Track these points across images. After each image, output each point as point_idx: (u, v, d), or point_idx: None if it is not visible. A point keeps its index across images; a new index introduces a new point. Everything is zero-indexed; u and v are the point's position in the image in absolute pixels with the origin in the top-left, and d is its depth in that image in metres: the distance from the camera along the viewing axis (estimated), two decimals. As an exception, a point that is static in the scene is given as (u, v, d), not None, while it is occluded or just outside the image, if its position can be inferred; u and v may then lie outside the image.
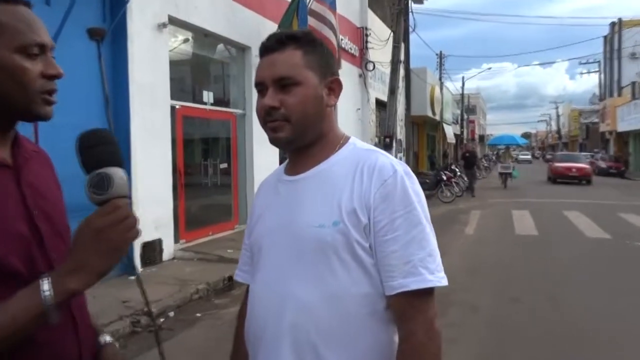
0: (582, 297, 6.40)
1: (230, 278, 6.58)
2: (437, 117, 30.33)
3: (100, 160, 1.09)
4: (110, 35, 6.99)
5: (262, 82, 1.34)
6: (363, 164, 1.32)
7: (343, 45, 13.99)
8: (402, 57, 16.56)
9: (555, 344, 4.85)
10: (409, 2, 18.71)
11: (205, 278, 6.72)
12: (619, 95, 43.28)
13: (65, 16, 6.10)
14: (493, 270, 7.84)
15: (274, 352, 1.31)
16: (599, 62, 54.30)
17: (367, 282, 1.29)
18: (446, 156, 36.72)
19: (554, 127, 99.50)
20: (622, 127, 38.01)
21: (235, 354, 1.54)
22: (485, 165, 38.05)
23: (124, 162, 1.13)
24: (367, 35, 17.20)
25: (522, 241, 10.26)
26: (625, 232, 11.10)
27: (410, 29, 21.15)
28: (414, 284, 1.24)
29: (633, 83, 37.70)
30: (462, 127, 45.94)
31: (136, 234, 1.08)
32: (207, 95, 9.58)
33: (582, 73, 57.25)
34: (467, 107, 51.88)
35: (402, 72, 17.97)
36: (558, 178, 26.47)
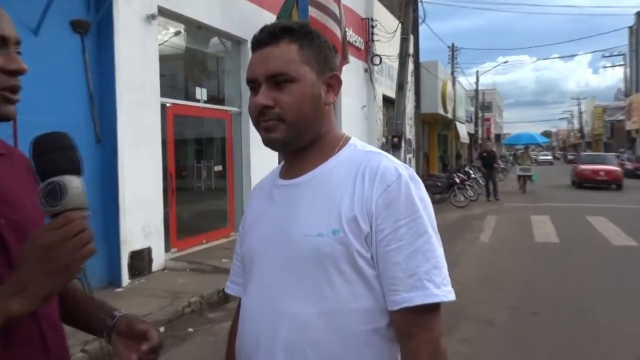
0: (609, 311, 6.37)
1: (225, 290, 6.56)
2: (450, 115, 30.33)
3: (56, 168, 1.06)
4: (95, 28, 7.00)
5: (255, 78, 1.33)
6: (364, 167, 1.31)
7: (348, 39, 13.98)
8: (411, 50, 16.55)
9: (577, 361, 4.83)
10: (419, -10, 18.74)
11: (198, 290, 6.70)
12: (647, 90, 43.21)
13: (47, 7, 6.12)
14: (510, 282, 7.81)
15: (268, 372, 1.30)
16: (624, 54, 54.28)
17: (368, 296, 1.28)
18: (459, 157, 36.70)
19: (576, 126, 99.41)
20: (650, 125, 37.94)
21: (227, 373, 1.53)
22: (502, 166, 37.93)
23: (82, 169, 1.10)
24: (373, 27, 17.20)
25: (542, 249, 10.22)
26: (654, 239, 11.06)
27: (420, 20, 21.17)
28: (418, 299, 1.23)
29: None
30: (476, 125, 45.92)
31: (90, 251, 1.05)
32: (201, 92, 9.58)
33: (605, 67, 57.30)
34: (482, 104, 51.86)
35: (411, 66, 17.95)
36: (584, 182, 24.91)
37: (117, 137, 7.10)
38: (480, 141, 46.72)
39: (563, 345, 5.21)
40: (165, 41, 8.95)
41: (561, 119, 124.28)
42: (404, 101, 15.48)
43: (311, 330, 1.27)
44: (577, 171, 26.04)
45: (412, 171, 1.34)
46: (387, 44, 17.51)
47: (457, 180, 18.42)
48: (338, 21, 10.72)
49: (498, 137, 67.56)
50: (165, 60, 8.54)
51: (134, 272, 7.33)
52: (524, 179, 23.08)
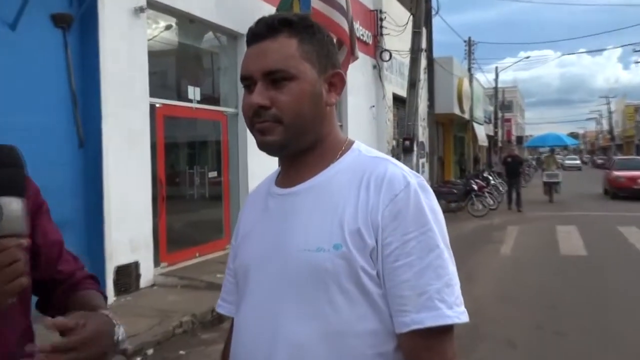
0: (641, 330, 6.34)
1: (220, 308, 6.56)
2: (466, 116, 30.31)
3: None
4: (78, 22, 7.02)
5: (250, 75, 1.33)
6: (369, 175, 1.31)
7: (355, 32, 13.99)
8: (423, 45, 16.57)
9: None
10: (432, -20, 18.79)
11: (190, 309, 6.69)
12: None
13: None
14: (533, 298, 7.78)
15: (263, 400, 1.30)
16: (658, 48, 54.13)
17: (374, 317, 1.27)
18: (477, 161, 36.66)
19: (605, 127, 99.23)
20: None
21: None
22: (521, 172, 37.78)
23: (24, 190, 1.07)
24: (382, 20, 17.24)
25: (568, 263, 10.19)
26: (692, 252, 11.00)
27: (433, 12, 21.22)
28: (429, 320, 1.22)
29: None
30: (496, 127, 45.89)
31: (20, 286, 1.02)
32: (193, 92, 9.60)
33: (637, 62, 57.03)
34: (502, 103, 51.82)
35: (423, 62, 17.98)
36: (619, 192, 23.37)
37: (101, 140, 7.11)
38: (500, 144, 46.70)
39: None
40: (155, 36, 8.97)
41: (589, 119, 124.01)
42: (416, 100, 15.48)
43: (311, 355, 1.26)
44: (610, 178, 24.70)
45: (422, 179, 1.34)
46: (398, 38, 17.52)
47: (475, 187, 18.41)
48: (345, 13, 10.73)
49: (520, 139, 67.46)
50: (155, 56, 8.56)
51: (120, 288, 7.32)
52: (551, 187, 22.54)
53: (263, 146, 1.34)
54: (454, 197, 18.19)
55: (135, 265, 7.64)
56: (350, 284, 1.26)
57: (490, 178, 22.59)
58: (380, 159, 1.36)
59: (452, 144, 32.01)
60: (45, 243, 1.43)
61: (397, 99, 18.52)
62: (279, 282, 1.31)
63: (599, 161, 62.55)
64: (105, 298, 1.51)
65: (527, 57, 48.38)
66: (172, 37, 9.60)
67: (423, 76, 18.65)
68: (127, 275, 7.47)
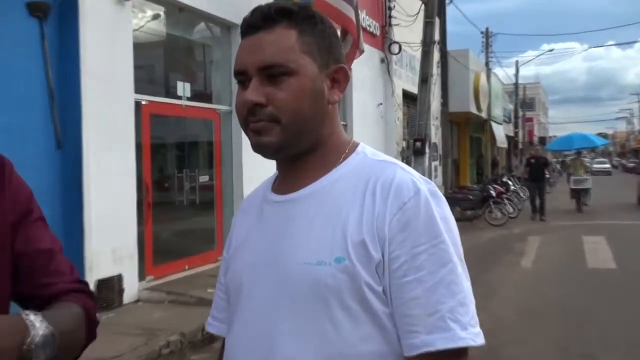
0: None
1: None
2: (484, 114, 30.32)
3: None
4: (57, 11, 7.04)
5: (244, 70, 1.33)
6: (376, 180, 1.31)
7: (361, 23, 14.03)
8: (436, 37, 16.58)
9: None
10: (446, -35, 18.82)
11: (179, 327, 6.68)
12: None
13: (-1, -14, 6.15)
14: (557, 316, 7.77)
15: None
16: (695, 41, 54.08)
17: (379, 338, 1.27)
18: (496, 165, 36.65)
19: (636, 127, 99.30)
20: None
21: None
22: (547, 176, 37.76)
23: None
24: (390, 9, 17.26)
25: (596, 277, 10.18)
26: None
27: (447, 0, 21.21)
28: (441, 342, 1.22)
29: None
30: (516, 126, 45.92)
31: None
32: (183, 88, 9.62)
33: (673, 56, 56.98)
34: (523, 100, 51.87)
35: (436, 55, 17.98)
36: None
37: (81, 141, 7.11)
38: (521, 146, 46.70)
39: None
40: (141, 26, 8.99)
41: (619, 118, 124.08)
42: (429, 97, 15.48)
43: (310, 379, 1.26)
44: None
45: (433, 185, 1.34)
46: (408, 29, 17.55)
47: (493, 193, 18.41)
48: (352, 3, 10.75)
49: (542, 140, 67.47)
50: (141, 49, 8.58)
51: (102, 304, 7.31)
52: (579, 195, 21.65)
53: (258, 148, 1.34)
54: (469, 204, 18.18)
55: (118, 278, 7.63)
56: (353, 301, 1.25)
57: (510, 183, 22.56)
58: (388, 163, 1.36)
59: (468, 146, 32.02)
60: (27, 251, 1.42)
61: (407, 95, 18.53)
62: (274, 299, 1.31)
63: (630, 165, 62.53)
64: (88, 312, 1.45)
65: (551, 50, 48.49)
66: (159, 27, 9.62)
67: (436, 71, 18.65)
68: (109, 289, 7.47)
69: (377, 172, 1.32)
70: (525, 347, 6.43)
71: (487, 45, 35.59)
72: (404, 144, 18.30)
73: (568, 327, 7.29)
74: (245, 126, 1.34)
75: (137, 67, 8.19)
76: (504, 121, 39.94)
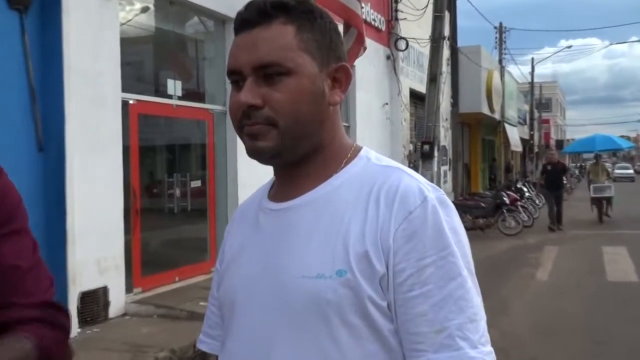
0: None
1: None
2: (497, 116, 30.36)
3: None
4: (38, 3, 7.04)
5: (238, 69, 1.33)
6: (380, 187, 1.31)
7: (365, 17, 14.06)
8: (446, 32, 16.60)
9: None
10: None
11: (168, 342, 6.67)
12: None
13: (-24, -23, 6.17)
14: (575, 332, 7.77)
15: None
16: None
17: (384, 355, 1.27)
18: (510, 170, 36.67)
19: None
20: None
21: None
22: (565, 183, 37.72)
23: None
24: (397, 2, 17.29)
25: (617, 291, 10.17)
26: None
27: (458, -7, 21.21)
28: (449, 362, 1.23)
29: None
30: (531, 129, 45.92)
31: None
32: (174, 86, 9.62)
33: (700, 53, 57.03)
34: (539, 101, 51.88)
35: (446, 52, 18.02)
36: None
37: (64, 143, 7.10)
38: (536, 149, 46.68)
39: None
40: (129, 20, 9.01)
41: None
42: (438, 97, 15.49)
43: (310, 401, 1.26)
44: None
45: (442, 192, 1.34)
46: (416, 24, 17.58)
47: (507, 200, 18.39)
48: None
49: (560, 143, 67.50)
50: (129, 45, 8.60)
51: (86, 318, 7.31)
52: (600, 204, 20.96)
53: (253, 153, 1.34)
54: (481, 212, 18.16)
55: (104, 290, 7.62)
56: (356, 317, 1.25)
57: (525, 189, 22.57)
58: (393, 169, 1.36)
59: (480, 149, 32.06)
60: None
61: (414, 95, 18.56)
62: (271, 315, 1.31)
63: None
64: (44, 349, 1.39)
65: (569, 47, 48.78)
66: (149, 21, 9.63)
67: (446, 69, 18.68)
68: (94, 302, 7.46)
69: (382, 178, 1.32)
70: (540, 366, 6.42)
71: (500, 41, 35.65)
72: (411, 147, 18.30)
73: (586, 344, 7.29)
74: (240, 130, 1.34)
75: (125, 64, 8.19)
76: (519, 123, 40.01)
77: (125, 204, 8.12)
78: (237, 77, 1.34)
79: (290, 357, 1.28)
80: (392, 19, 17.21)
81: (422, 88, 17.03)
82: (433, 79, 15.23)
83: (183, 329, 7.14)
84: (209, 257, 10.19)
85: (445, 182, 19.84)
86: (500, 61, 34.15)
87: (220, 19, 10.46)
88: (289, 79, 1.30)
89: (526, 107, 45.40)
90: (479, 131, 31.25)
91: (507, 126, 33.87)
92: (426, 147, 14.99)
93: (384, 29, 16.80)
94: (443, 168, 19.42)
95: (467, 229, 1.28)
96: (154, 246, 9.17)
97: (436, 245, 1.25)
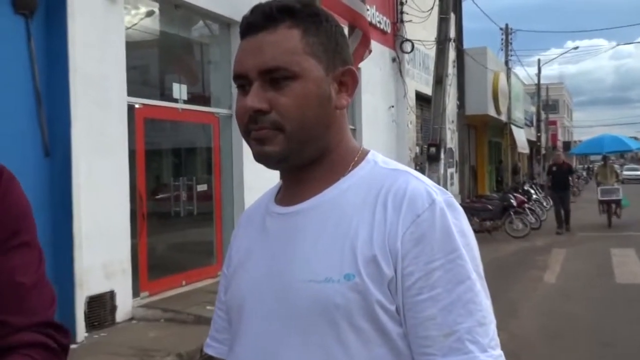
0: None
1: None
2: (503, 117, 30.31)
3: None
4: (44, 8, 7.06)
5: (244, 74, 1.33)
6: (387, 191, 1.31)
7: (370, 19, 14.07)
8: (452, 34, 16.58)
9: None
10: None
11: (176, 347, 6.68)
12: None
13: (-18, -18, 6.18)
14: (584, 336, 7.75)
15: None
16: None
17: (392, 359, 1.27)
18: (517, 172, 36.60)
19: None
20: None
21: None
22: (571, 184, 37.53)
23: None
24: (402, 4, 17.28)
25: (626, 293, 10.13)
26: None
27: (464, -5, 21.20)
28: (458, 366, 1.23)
29: None
30: (538, 130, 45.88)
31: None
32: (179, 90, 9.63)
33: None
34: (546, 102, 51.83)
35: (452, 54, 17.99)
36: None
37: (70, 147, 7.12)
38: (544, 151, 46.61)
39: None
40: (134, 24, 9.02)
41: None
42: (444, 99, 15.48)
43: (318, 406, 1.26)
44: None
45: (450, 195, 1.33)
46: (421, 26, 17.57)
47: (514, 202, 18.33)
48: (363, -1, 10.79)
49: (567, 145, 67.34)
50: (134, 48, 8.60)
51: (93, 322, 7.32)
52: (609, 207, 20.35)
53: (260, 158, 1.34)
54: (488, 215, 18.12)
55: (111, 295, 7.62)
56: (364, 321, 1.25)
57: (532, 192, 22.52)
58: (401, 172, 1.36)
59: (487, 152, 32.00)
60: None
61: (420, 97, 18.53)
62: (278, 319, 1.31)
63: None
64: None
65: (576, 48, 48.54)
66: (154, 25, 9.64)
67: (451, 71, 18.68)
68: (101, 306, 7.46)
69: (389, 181, 1.32)
70: (549, 369, 6.41)
71: (506, 43, 35.62)
72: (418, 149, 18.28)
73: (596, 347, 7.27)
74: (247, 134, 1.34)
75: (130, 68, 8.20)
76: (526, 125, 39.92)
77: (132, 207, 8.13)
78: (243, 81, 1.33)
79: None
80: (397, 21, 17.19)
81: (428, 90, 17.02)
82: (439, 81, 15.22)
83: (190, 333, 7.14)
84: (215, 261, 10.19)
85: (452, 184, 19.80)
86: (506, 63, 34.10)
87: (225, 23, 10.47)
88: (295, 83, 1.30)
89: (533, 109, 45.33)
90: (485, 133, 31.19)
91: (513, 128, 33.80)
92: (432, 149, 14.98)
93: (389, 31, 16.78)
94: (450, 170, 19.40)
95: (474, 231, 1.28)
96: (160, 250, 9.18)
97: (444, 249, 1.25)
